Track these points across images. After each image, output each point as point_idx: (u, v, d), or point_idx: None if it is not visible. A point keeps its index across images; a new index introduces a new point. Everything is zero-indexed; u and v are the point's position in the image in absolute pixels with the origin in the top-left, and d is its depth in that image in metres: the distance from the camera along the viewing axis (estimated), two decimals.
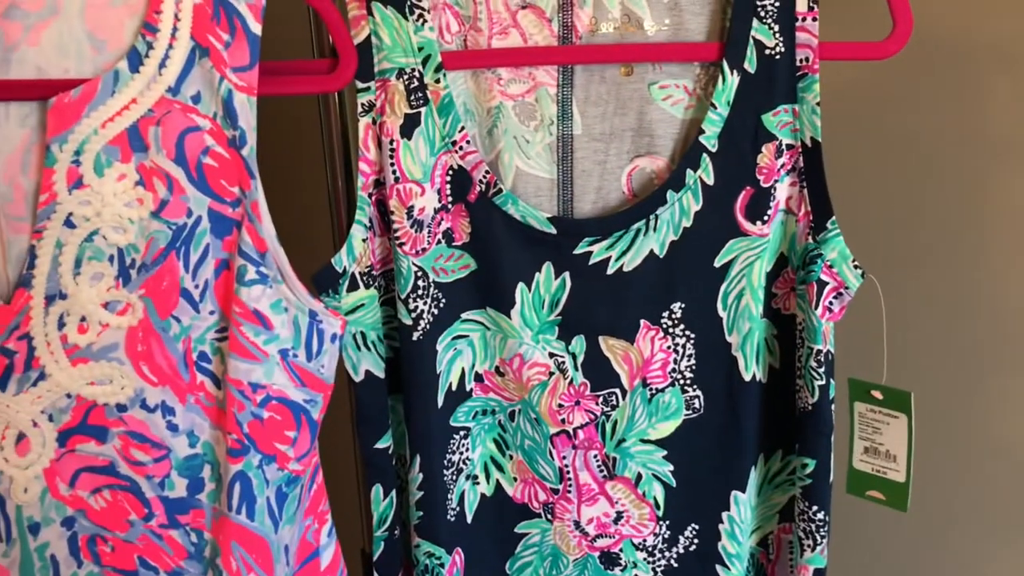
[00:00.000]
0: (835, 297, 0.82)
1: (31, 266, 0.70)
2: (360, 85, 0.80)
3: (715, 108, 0.80)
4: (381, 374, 0.86)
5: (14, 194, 0.70)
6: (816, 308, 0.81)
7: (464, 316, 0.84)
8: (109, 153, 0.70)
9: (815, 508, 0.84)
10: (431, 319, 0.83)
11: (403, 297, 0.82)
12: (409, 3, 0.79)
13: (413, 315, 0.82)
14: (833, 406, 0.84)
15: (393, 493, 0.87)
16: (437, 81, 0.79)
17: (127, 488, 0.74)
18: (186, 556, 0.76)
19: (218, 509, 0.75)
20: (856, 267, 0.82)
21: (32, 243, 0.70)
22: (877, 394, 0.87)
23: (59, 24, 0.69)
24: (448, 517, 0.86)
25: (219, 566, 0.75)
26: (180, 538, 0.75)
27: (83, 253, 0.70)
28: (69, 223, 0.70)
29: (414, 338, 0.82)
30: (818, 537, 0.85)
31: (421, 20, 0.79)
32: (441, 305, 0.83)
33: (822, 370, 0.82)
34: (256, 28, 0.71)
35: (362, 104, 0.80)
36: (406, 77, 0.79)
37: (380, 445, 0.86)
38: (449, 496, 0.86)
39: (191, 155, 0.71)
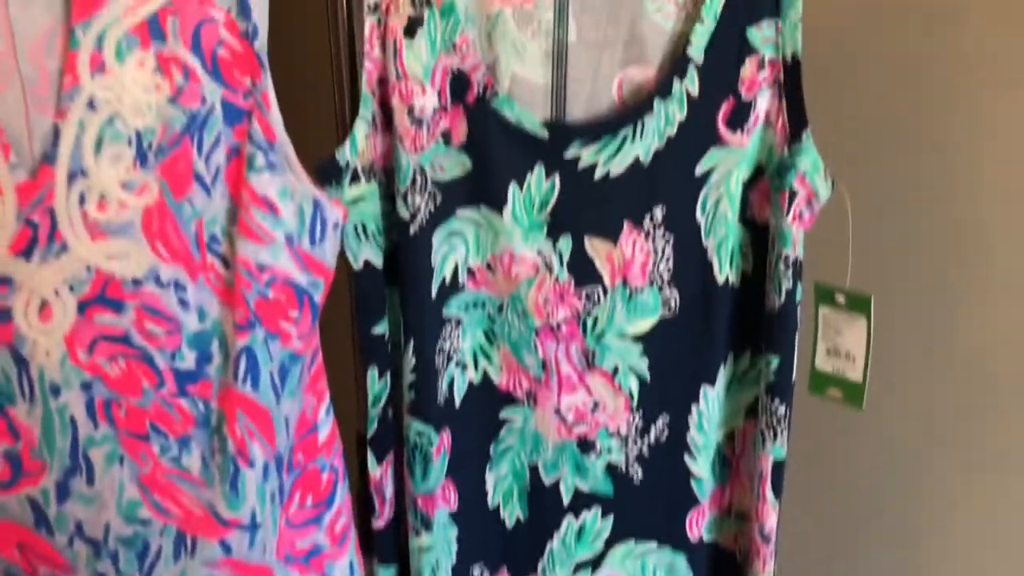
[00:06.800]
0: (806, 205, 0.87)
1: (55, 144, 0.74)
2: None
3: (703, 22, 0.84)
4: (379, 264, 0.91)
5: (39, 76, 0.74)
6: (787, 215, 0.86)
7: (459, 213, 0.89)
8: (130, 40, 0.74)
9: (777, 401, 0.91)
10: (428, 214, 0.88)
11: (402, 192, 0.87)
12: None
13: (411, 209, 0.87)
14: (799, 310, 0.90)
15: (388, 375, 0.94)
16: None
17: (141, 358, 0.79)
18: (193, 423, 0.81)
19: (225, 381, 0.81)
20: (827, 178, 0.87)
21: (56, 123, 0.74)
22: (840, 297, 0.92)
23: None
24: (438, 400, 0.93)
25: (224, 433, 0.81)
26: (188, 406, 0.81)
27: (104, 134, 0.75)
28: (91, 105, 0.74)
29: (411, 231, 0.87)
30: (779, 430, 0.92)
31: None
32: (437, 201, 0.88)
33: (790, 273, 0.87)
34: None
35: (368, 4, 0.84)
36: None
37: (376, 330, 0.92)
38: (439, 381, 0.92)
39: (207, 46, 0.75)
